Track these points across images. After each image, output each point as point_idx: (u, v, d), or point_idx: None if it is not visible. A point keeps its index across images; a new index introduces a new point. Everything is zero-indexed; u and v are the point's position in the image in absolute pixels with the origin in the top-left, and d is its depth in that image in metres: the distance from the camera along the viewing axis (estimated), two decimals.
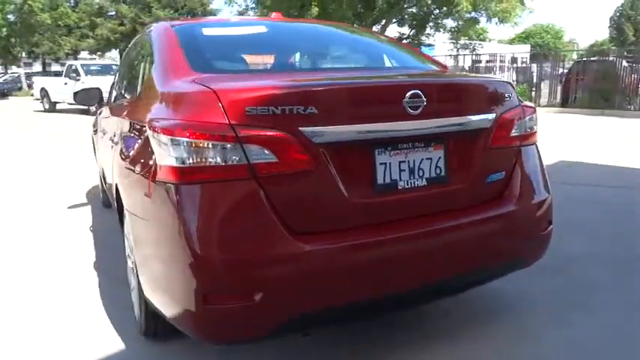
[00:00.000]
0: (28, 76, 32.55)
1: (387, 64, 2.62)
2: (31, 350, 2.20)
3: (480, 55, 21.18)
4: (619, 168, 6.00)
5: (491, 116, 1.99)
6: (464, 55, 19.91)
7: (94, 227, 4.07)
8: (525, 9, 17.43)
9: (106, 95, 4.04)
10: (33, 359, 2.14)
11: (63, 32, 31.90)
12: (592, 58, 16.36)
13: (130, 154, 2.08)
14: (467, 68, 18.61)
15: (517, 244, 2.11)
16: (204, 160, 1.56)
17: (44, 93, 17.26)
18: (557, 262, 2.85)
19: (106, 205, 4.51)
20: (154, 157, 1.71)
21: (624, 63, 14.89)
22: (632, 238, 3.49)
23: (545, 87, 16.40)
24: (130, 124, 2.23)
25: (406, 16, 19.46)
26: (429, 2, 18.14)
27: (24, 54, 36.37)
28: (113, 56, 36.26)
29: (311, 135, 1.61)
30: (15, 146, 8.84)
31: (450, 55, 19.84)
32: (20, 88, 30.63)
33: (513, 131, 2.08)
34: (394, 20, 18.98)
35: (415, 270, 1.82)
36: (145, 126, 1.87)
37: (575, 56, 19.22)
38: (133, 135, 2.14)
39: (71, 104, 15.66)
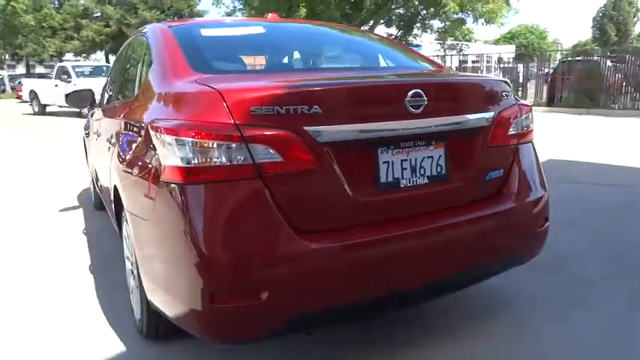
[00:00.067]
0: (12, 78, 32.08)
1: (387, 63, 2.64)
2: (31, 354, 2.18)
3: (466, 55, 21.37)
4: (609, 166, 6.10)
5: (489, 115, 2.02)
6: (451, 55, 20.08)
7: (86, 230, 4.03)
8: (511, 9, 17.64)
9: (97, 97, 4.01)
10: None
11: (47, 34, 31.49)
12: (577, 58, 16.57)
13: (131, 155, 2.07)
14: (454, 69, 18.75)
15: (516, 240, 2.14)
16: (209, 159, 1.56)
17: (33, 95, 16.88)
18: (553, 259, 2.89)
19: (98, 207, 4.48)
20: (157, 157, 1.71)
21: (608, 63, 15.14)
22: (627, 235, 3.54)
23: (531, 87, 16.60)
24: (129, 125, 2.21)
25: (394, 17, 19.57)
26: (417, 3, 18.26)
27: (7, 56, 35.87)
28: (98, 58, 35.89)
29: (315, 134, 1.63)
30: (4, 149, 8.71)
31: (437, 56, 19.99)
32: (4, 91, 30.18)
33: (511, 129, 2.11)
34: (382, 21, 19.07)
35: (418, 267, 1.84)
36: (145, 127, 1.87)
37: (559, 56, 19.47)
38: (132, 136, 2.13)
39: (61, 107, 15.39)
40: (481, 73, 17.81)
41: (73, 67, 15.53)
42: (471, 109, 1.98)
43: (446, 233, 1.90)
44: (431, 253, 1.86)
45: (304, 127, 1.62)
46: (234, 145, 1.56)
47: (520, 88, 16.38)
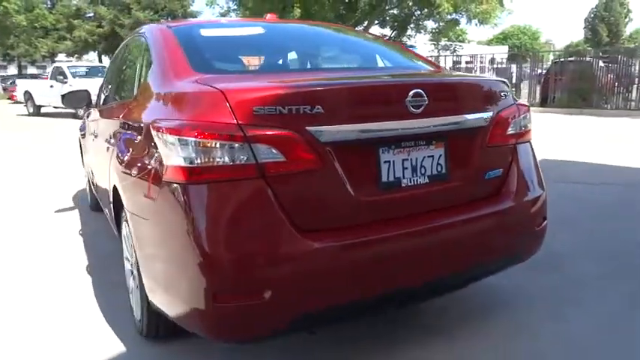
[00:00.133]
0: (3, 79, 31.83)
1: (386, 63, 2.66)
2: (32, 355, 2.17)
3: (460, 55, 21.46)
4: (604, 165, 6.14)
5: (489, 114, 2.04)
6: (445, 56, 20.16)
7: (83, 231, 4.02)
8: (504, 10, 17.74)
9: (94, 98, 4.00)
10: None
11: (39, 34, 31.29)
12: (570, 59, 16.70)
13: (132, 155, 2.06)
14: (448, 69, 18.81)
15: (515, 239, 2.16)
16: (212, 159, 1.57)
17: (28, 96, 16.68)
18: (550, 258, 2.91)
19: (94, 208, 4.46)
20: (158, 157, 1.71)
21: (601, 63, 15.26)
22: (623, 233, 3.57)
23: (524, 87, 16.69)
24: (129, 125, 2.21)
25: (388, 18, 19.62)
26: (411, 4, 18.32)
27: None
28: (91, 58, 35.69)
29: (317, 134, 1.63)
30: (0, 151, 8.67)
31: (430, 57, 20.04)
32: None
33: (509, 129, 2.12)
34: (376, 22, 19.10)
35: (420, 265, 1.85)
36: (146, 127, 1.87)
37: (551, 57, 19.59)
38: (133, 136, 2.12)
39: (57, 108, 15.25)
40: (475, 73, 17.90)
41: (69, 68, 15.39)
42: (470, 108, 2.00)
43: (446, 232, 1.91)
44: (432, 251, 1.87)
45: (306, 127, 1.62)
46: (237, 144, 1.57)
47: (514, 89, 16.47)
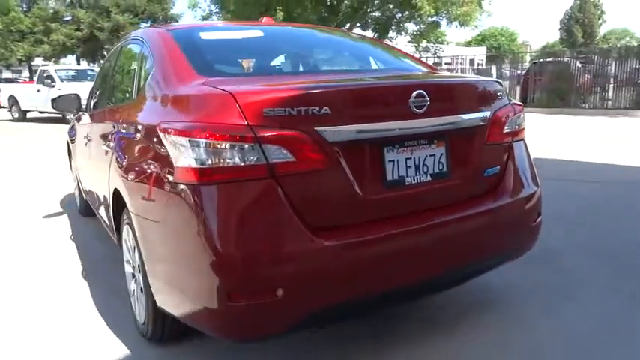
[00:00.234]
0: None
1: (386, 65, 2.71)
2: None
3: (441, 57, 21.73)
4: (587, 163, 6.32)
5: (487, 114, 2.10)
6: (426, 57, 20.38)
7: (74, 236, 3.98)
8: (484, 12, 18.02)
9: (84, 102, 3.97)
10: None
11: (15, 38, 30.67)
12: (548, 60, 17.06)
13: (136, 158, 2.07)
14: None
15: (512, 234, 2.23)
16: (223, 160, 1.59)
17: (13, 101, 16.09)
18: (543, 254, 2.98)
19: (84, 213, 4.42)
20: (167, 159, 1.72)
21: (578, 64, 15.63)
22: (610, 229, 3.68)
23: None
24: (131, 128, 2.21)
25: (369, 20, 19.76)
26: (392, 6, 18.48)
27: None
28: (68, 62, 35.11)
29: (326, 134, 1.67)
30: None
31: None
32: None
33: (506, 128, 2.19)
34: (358, 24, 19.22)
35: (425, 261, 1.90)
36: (152, 129, 1.88)
37: (528, 57, 19.97)
38: (136, 139, 2.13)
39: (43, 112, 14.90)
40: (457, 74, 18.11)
41: (57, 71, 14.93)
42: (469, 108, 2.06)
43: (449, 228, 1.96)
44: (435, 247, 1.92)
45: (315, 128, 1.66)
46: (247, 145, 1.59)
47: None
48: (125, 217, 2.29)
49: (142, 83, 2.38)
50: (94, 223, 4.14)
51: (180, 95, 1.93)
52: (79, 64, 30.98)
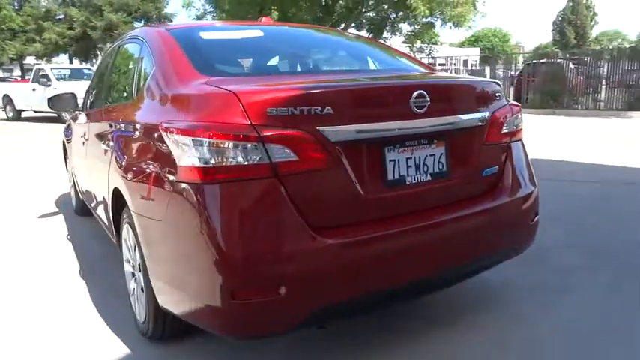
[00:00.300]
0: None
1: (386, 66, 2.73)
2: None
3: (435, 58, 21.81)
4: (583, 164, 6.37)
5: (485, 114, 2.12)
6: (420, 58, 20.43)
7: (70, 235, 3.97)
8: (478, 13, 18.10)
9: (80, 101, 3.95)
10: None
11: (6, 36, 30.38)
12: (541, 61, 17.17)
13: (137, 157, 2.07)
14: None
15: (511, 233, 2.26)
16: (227, 159, 1.60)
17: (7, 100, 15.86)
18: (539, 252, 3.01)
19: (79, 212, 4.41)
20: (170, 158, 1.73)
21: (571, 65, 15.75)
22: (610, 229, 3.72)
23: None
24: (132, 127, 2.21)
25: (364, 21, 19.79)
26: (387, 7, 18.52)
27: None
28: (61, 61, 34.84)
29: (328, 134, 1.69)
30: None
31: None
32: None
33: (504, 128, 2.21)
34: (353, 24, 19.25)
35: (426, 259, 1.93)
36: (153, 128, 1.89)
37: (521, 59, 20.07)
38: (137, 138, 2.13)
39: (38, 112, 14.76)
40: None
41: (53, 70, 14.74)
42: (469, 108, 2.09)
43: (448, 227, 1.99)
44: (435, 246, 1.94)
45: (317, 128, 1.67)
46: (251, 145, 1.60)
47: None
48: (125, 217, 2.29)
49: (141, 83, 2.38)
50: (90, 223, 4.13)
51: (182, 94, 1.94)
52: (71, 62, 30.75)
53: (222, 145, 1.60)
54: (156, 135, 1.86)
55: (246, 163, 1.61)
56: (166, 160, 1.77)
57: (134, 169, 2.06)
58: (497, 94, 2.24)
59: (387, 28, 19.61)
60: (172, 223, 1.79)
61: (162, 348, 2.20)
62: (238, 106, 1.63)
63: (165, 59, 2.19)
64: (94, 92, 3.70)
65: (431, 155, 1.97)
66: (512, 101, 2.40)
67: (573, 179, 5.47)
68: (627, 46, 22.29)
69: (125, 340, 2.28)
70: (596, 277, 2.84)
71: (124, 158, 2.21)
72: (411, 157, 1.91)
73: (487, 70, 17.97)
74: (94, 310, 2.59)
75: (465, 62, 24.93)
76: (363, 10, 19.03)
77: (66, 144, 4.53)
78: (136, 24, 28.04)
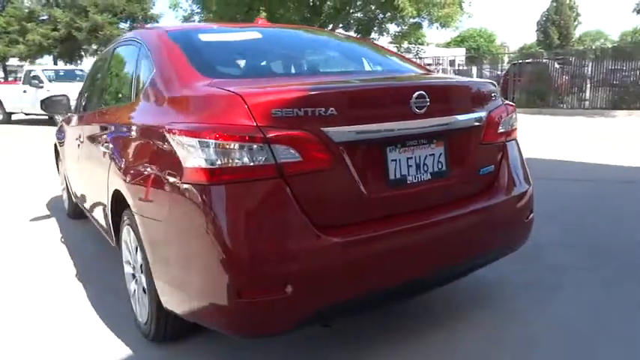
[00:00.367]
0: None
1: (386, 67, 2.76)
2: None
3: (422, 58, 21.97)
4: (573, 163, 6.48)
5: (483, 114, 2.17)
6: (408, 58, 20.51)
7: (64, 238, 3.94)
8: (465, 13, 18.27)
9: (73, 103, 3.93)
10: None
11: None
12: (527, 61, 17.39)
13: (140, 159, 2.08)
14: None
15: (507, 230, 2.30)
16: (233, 160, 1.62)
17: None
18: (534, 250, 3.06)
19: (72, 215, 4.38)
20: (175, 159, 1.73)
21: (556, 65, 15.98)
22: (602, 227, 3.78)
23: None
24: (134, 129, 2.22)
25: (352, 21, 19.86)
26: (374, 7, 18.61)
27: None
28: (44, 62, 34.36)
29: (332, 135, 1.71)
30: None
31: None
32: None
33: (500, 128, 2.26)
34: (340, 25, 19.30)
35: (429, 256, 1.96)
36: (157, 130, 1.90)
37: (506, 59, 20.30)
38: (138, 140, 2.14)
39: (29, 114, 14.52)
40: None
41: (44, 72, 14.47)
42: (467, 108, 2.13)
43: (448, 225, 2.02)
44: (435, 243, 1.98)
45: (321, 128, 1.70)
46: (256, 146, 1.62)
47: None
48: (126, 218, 2.30)
49: (141, 85, 2.38)
50: (82, 225, 4.11)
51: (185, 96, 1.95)
52: (55, 64, 30.33)
53: (228, 146, 1.61)
54: (159, 137, 1.87)
55: (252, 163, 1.63)
56: (170, 162, 1.78)
57: (136, 170, 2.07)
58: (493, 95, 2.29)
59: (375, 28, 19.70)
60: (178, 223, 1.80)
61: (164, 348, 2.21)
62: (244, 107, 1.65)
63: (166, 61, 2.19)
64: (88, 94, 3.68)
65: (430, 155, 2.01)
66: (507, 101, 2.45)
67: (567, 178, 5.56)
68: (610, 46, 22.65)
69: (126, 340, 2.29)
70: (589, 274, 2.89)
71: (126, 160, 2.21)
72: (411, 157, 1.95)
73: (474, 70, 18.14)
74: (94, 312, 2.59)
75: (452, 62, 25.15)
76: (351, 11, 19.10)
77: (58, 147, 4.48)
78: (122, 25, 27.76)
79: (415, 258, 1.92)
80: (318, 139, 1.69)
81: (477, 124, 2.14)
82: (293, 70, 2.76)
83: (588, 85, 15.21)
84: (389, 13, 18.26)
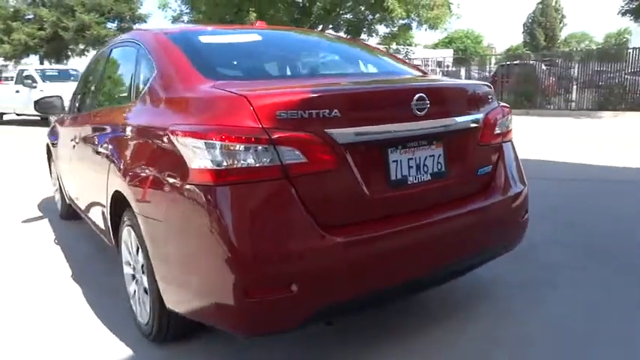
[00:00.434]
0: None
1: (384, 69, 2.80)
2: None
3: (411, 59, 22.11)
4: (564, 163, 6.58)
5: (480, 116, 2.21)
6: None
7: (58, 239, 3.92)
8: (453, 15, 18.43)
9: (67, 104, 3.91)
10: None
11: None
12: (515, 62, 17.60)
13: (142, 160, 2.08)
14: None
15: (503, 229, 2.35)
16: (239, 161, 1.64)
17: None
18: (529, 249, 3.11)
19: (64, 216, 4.36)
20: (180, 161, 1.75)
21: (543, 66, 16.20)
22: (585, 225, 3.86)
23: None
24: (135, 130, 2.22)
25: (342, 22, 19.91)
26: (364, 9, 18.69)
27: None
28: (30, 62, 33.93)
29: (336, 136, 1.74)
30: None
31: None
32: None
33: (497, 129, 2.31)
34: (330, 26, 19.35)
35: (429, 255, 2.01)
36: (160, 131, 1.91)
37: (493, 60, 20.53)
38: (140, 141, 2.15)
39: (20, 115, 14.27)
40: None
41: (37, 71, 14.19)
42: (465, 110, 2.18)
43: (447, 224, 2.06)
44: (435, 243, 2.02)
45: (325, 130, 1.73)
46: (262, 147, 1.65)
47: None
48: (126, 219, 2.30)
49: (141, 86, 2.39)
50: (75, 227, 4.09)
51: (189, 98, 1.96)
52: (41, 64, 29.96)
53: (234, 148, 1.63)
54: (162, 138, 1.89)
55: (257, 165, 1.65)
56: (174, 163, 1.79)
57: (138, 171, 2.08)
58: (489, 97, 2.34)
59: (365, 29, 19.77)
60: (183, 224, 1.81)
61: (165, 349, 2.21)
62: (249, 109, 1.67)
63: (168, 63, 2.20)
64: (83, 95, 3.66)
65: (430, 156, 2.05)
66: (502, 103, 2.50)
67: (556, 177, 5.63)
68: (595, 47, 22.98)
69: (126, 340, 2.29)
70: (583, 273, 2.93)
71: (126, 161, 2.22)
72: (412, 158, 1.99)
73: (462, 71, 18.30)
74: (92, 312, 2.59)
75: (440, 63, 25.31)
76: (341, 12, 19.16)
77: (51, 147, 4.44)
78: (109, 25, 27.52)
79: (415, 257, 1.96)
80: (323, 141, 1.72)
81: (474, 125, 2.19)
82: (293, 72, 2.79)
83: (574, 87, 15.45)
84: (378, 15, 18.34)
